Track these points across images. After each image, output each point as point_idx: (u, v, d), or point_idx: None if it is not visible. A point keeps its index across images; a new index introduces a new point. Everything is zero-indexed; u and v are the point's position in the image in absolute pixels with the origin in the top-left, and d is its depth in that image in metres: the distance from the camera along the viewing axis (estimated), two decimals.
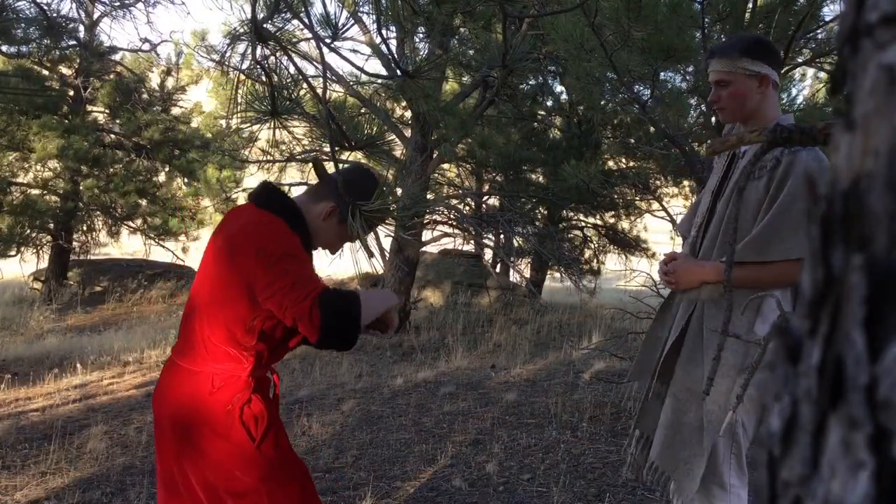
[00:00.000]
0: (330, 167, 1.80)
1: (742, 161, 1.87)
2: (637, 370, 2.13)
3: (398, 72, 2.09)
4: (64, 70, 11.94)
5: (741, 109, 1.83)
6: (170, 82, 13.15)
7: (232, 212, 1.71)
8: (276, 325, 1.62)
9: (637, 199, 9.68)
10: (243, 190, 12.30)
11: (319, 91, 1.53)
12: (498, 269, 11.70)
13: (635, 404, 3.85)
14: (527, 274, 10.60)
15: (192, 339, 1.62)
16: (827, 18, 4.25)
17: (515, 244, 9.64)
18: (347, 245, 1.79)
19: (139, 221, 12.41)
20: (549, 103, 10.33)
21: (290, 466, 1.68)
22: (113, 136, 12.45)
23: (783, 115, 1.89)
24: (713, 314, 1.82)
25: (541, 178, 9.83)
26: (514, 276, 11.86)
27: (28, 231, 11.06)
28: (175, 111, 13.16)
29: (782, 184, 1.70)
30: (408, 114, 9.14)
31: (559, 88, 10.14)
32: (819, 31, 4.27)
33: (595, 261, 11.12)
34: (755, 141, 1.09)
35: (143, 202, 12.25)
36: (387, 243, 7.60)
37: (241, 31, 1.51)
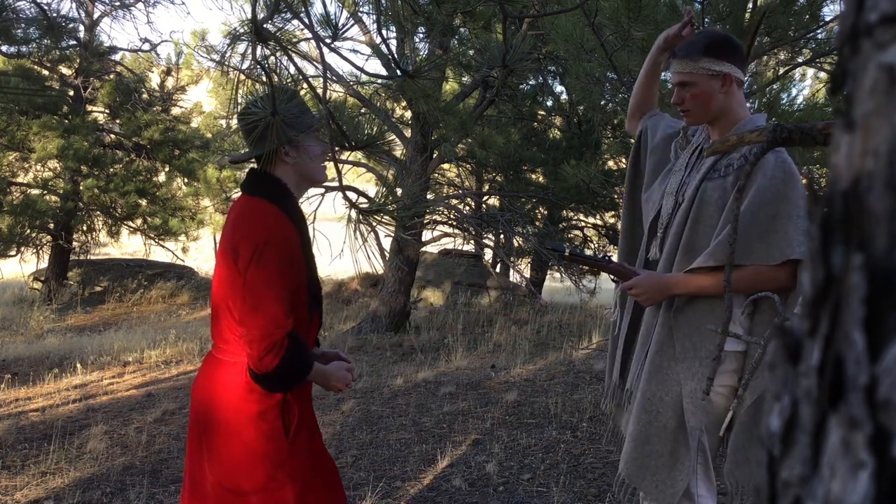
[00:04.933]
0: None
1: (707, 158, 1.82)
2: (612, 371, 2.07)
3: (398, 72, 2.09)
4: (64, 70, 11.94)
5: (706, 110, 1.79)
6: (170, 82, 13.15)
7: (231, 207, 1.75)
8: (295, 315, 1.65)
9: None
10: None
11: (319, 91, 1.53)
12: (498, 269, 11.69)
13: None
14: (527, 274, 10.59)
15: (225, 334, 1.65)
16: (827, 18, 4.25)
17: (515, 244, 9.64)
18: (347, 245, 1.79)
19: (139, 221, 12.41)
20: (549, 103, 10.33)
21: (314, 470, 1.69)
22: (113, 136, 12.45)
23: (753, 115, 1.83)
24: (687, 318, 1.77)
25: (541, 178, 9.83)
26: (514, 276, 11.85)
27: (28, 231, 11.06)
28: (175, 111, 13.16)
29: (745, 189, 1.68)
30: (408, 114, 9.15)
31: (559, 88, 10.14)
32: (819, 31, 4.26)
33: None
34: (755, 141, 1.09)
35: (143, 202, 12.25)
36: (387, 243, 7.60)
37: (241, 31, 1.51)
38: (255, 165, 1.72)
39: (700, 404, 1.71)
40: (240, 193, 1.74)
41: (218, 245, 1.73)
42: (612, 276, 1.93)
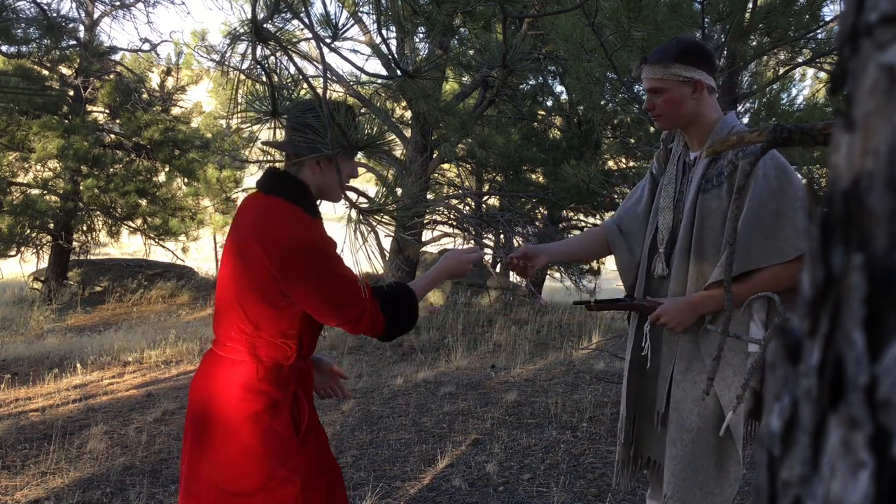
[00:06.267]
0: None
1: (697, 169, 1.83)
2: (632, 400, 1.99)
3: (398, 72, 2.09)
4: (64, 70, 11.94)
5: (677, 116, 1.81)
6: (170, 82, 13.15)
7: (243, 204, 1.71)
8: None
9: None
10: (243, 190, 12.31)
11: (320, 91, 1.53)
12: (498, 269, 11.69)
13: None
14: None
15: (232, 332, 1.63)
16: (827, 18, 4.24)
17: (515, 244, 9.64)
18: (347, 245, 1.78)
19: (139, 221, 12.40)
20: (549, 103, 10.33)
21: (319, 467, 1.68)
22: (113, 136, 12.45)
23: (726, 115, 1.85)
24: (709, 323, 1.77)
25: (541, 178, 9.83)
26: (514, 276, 11.85)
27: (28, 231, 11.05)
28: (175, 111, 13.15)
29: (744, 188, 1.67)
30: (408, 114, 9.15)
31: (559, 88, 10.14)
32: (819, 31, 4.25)
33: (595, 260, 11.11)
34: (755, 141, 1.09)
35: (143, 202, 12.25)
36: (387, 243, 7.60)
37: (241, 31, 1.51)
38: (275, 166, 1.70)
39: (741, 411, 1.71)
40: (255, 191, 1.70)
41: (226, 244, 1.71)
42: (637, 312, 1.94)
